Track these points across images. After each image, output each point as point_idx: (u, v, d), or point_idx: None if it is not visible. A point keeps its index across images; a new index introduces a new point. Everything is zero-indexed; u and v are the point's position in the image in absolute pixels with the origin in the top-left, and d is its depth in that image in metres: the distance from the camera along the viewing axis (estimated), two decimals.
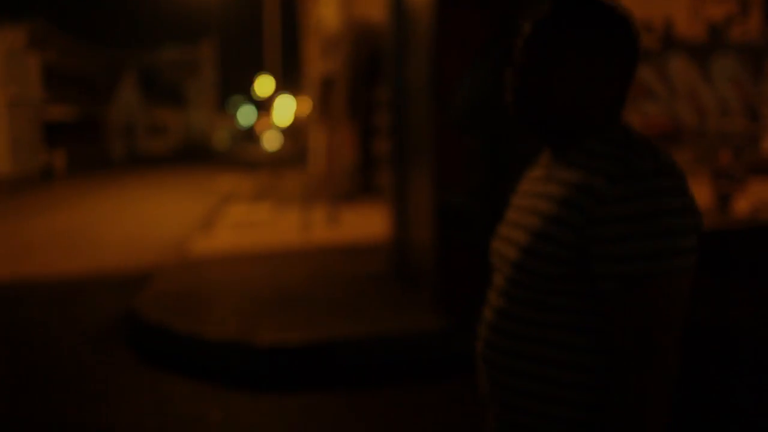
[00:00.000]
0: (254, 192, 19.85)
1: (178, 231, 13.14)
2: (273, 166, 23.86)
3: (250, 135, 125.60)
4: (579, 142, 1.37)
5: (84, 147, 41.89)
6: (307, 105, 30.09)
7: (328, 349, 5.02)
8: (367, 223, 12.01)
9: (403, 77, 6.79)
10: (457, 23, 5.55)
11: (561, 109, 1.36)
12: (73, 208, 18.22)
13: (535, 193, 1.42)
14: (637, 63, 1.39)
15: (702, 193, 9.93)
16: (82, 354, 5.84)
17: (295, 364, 5.02)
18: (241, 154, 67.53)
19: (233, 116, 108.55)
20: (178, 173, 33.08)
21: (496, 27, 5.53)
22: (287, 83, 78.89)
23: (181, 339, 5.41)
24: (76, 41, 42.79)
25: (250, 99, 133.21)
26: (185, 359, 5.36)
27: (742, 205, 8.76)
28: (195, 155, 61.50)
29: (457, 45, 5.53)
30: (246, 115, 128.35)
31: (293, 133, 76.62)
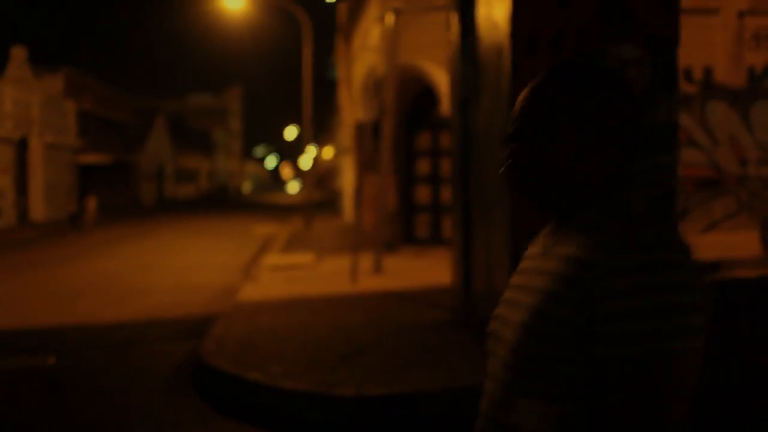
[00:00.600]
0: (290, 239, 19.86)
1: (222, 278, 13.12)
2: (306, 214, 23.85)
3: (274, 181, 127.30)
4: (578, 213, 1.31)
5: (115, 192, 42.36)
6: (339, 153, 30.31)
7: (411, 401, 4.91)
8: (414, 272, 11.93)
9: (470, 125, 6.77)
10: (531, 70, 5.53)
11: (555, 180, 1.31)
12: (112, 253, 18.30)
13: (532, 269, 1.35)
14: (640, 130, 1.34)
15: (748, 240, 9.77)
16: (151, 402, 5.76)
17: (377, 416, 4.90)
18: (266, 199, 67.98)
19: (258, 163, 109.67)
20: (210, 218, 33.26)
21: None
22: (314, 132, 79.76)
23: (256, 389, 5.31)
24: (109, 89, 43.60)
25: (274, 147, 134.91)
26: (260, 409, 5.26)
27: None
28: (222, 200, 62.02)
29: None
30: (270, 162, 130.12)
31: (319, 179, 77.16)
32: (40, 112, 33.41)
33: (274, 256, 14.98)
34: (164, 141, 55.23)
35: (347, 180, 26.31)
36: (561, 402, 1.21)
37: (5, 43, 31.27)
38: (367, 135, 16.53)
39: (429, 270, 11.96)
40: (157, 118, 53.00)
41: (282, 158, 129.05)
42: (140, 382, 6.36)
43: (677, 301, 1.14)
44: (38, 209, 32.91)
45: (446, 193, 14.73)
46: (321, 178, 76.03)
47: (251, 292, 10.04)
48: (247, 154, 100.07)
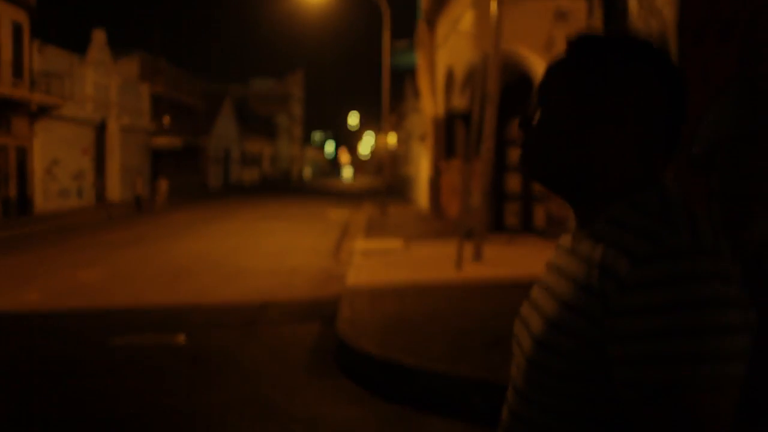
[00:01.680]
0: (368, 224, 19.96)
1: (316, 261, 13.28)
2: (382, 200, 23.90)
3: (331, 167, 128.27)
4: (605, 206, 1.14)
5: (184, 175, 43.11)
6: (409, 139, 30.30)
7: None
8: (514, 260, 11.88)
9: None
10: (699, 60, 5.43)
11: (576, 167, 1.15)
12: (196, 235, 18.64)
13: (558, 268, 1.20)
14: (681, 109, 1.15)
15: None
16: (297, 381, 5.86)
17: None
18: (327, 184, 68.44)
19: (316, 148, 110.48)
20: (280, 202, 33.64)
21: (738, 62, 5.39)
22: (375, 118, 79.47)
23: (413, 373, 5.36)
24: (180, 72, 44.32)
25: (331, 132, 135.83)
26: (416, 393, 5.31)
27: None
28: (286, 185, 62.67)
29: (699, 82, 5.40)
30: (328, 148, 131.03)
31: (379, 166, 77.10)
32: (117, 94, 34.15)
33: (361, 241, 15.06)
34: (231, 125, 55.98)
35: (420, 167, 26.29)
36: (579, 422, 1.08)
37: (86, 25, 31.94)
38: (448, 125, 16.50)
39: (527, 258, 11.90)
40: (224, 103, 53.70)
41: (339, 144, 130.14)
42: (279, 361, 6.47)
43: (716, 320, 0.96)
44: (114, 190, 33.71)
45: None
46: (382, 164, 76.29)
47: (358, 276, 10.12)
48: (306, 139, 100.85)
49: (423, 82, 23.12)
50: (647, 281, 0.98)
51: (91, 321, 8.40)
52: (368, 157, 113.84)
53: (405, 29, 65.12)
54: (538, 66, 13.43)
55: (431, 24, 19.98)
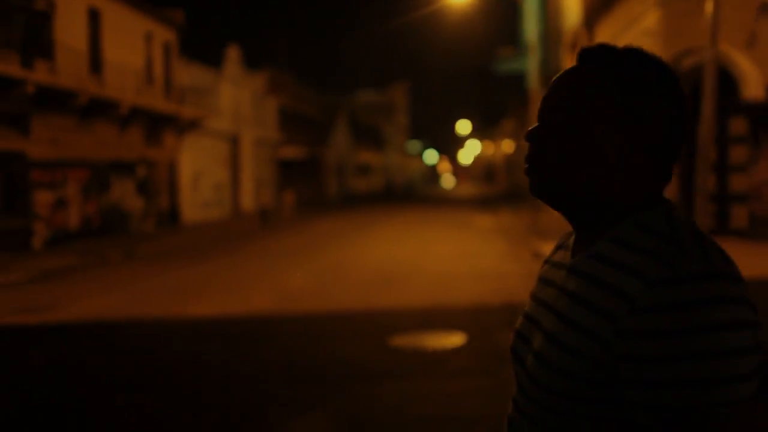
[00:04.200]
0: (528, 229, 19.72)
1: (509, 266, 13.15)
2: (534, 205, 23.60)
3: (432, 175, 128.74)
4: (609, 225, 1.11)
5: (306, 185, 43.89)
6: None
7: None
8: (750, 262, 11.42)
9: None
10: None
11: (582, 182, 1.11)
12: (364, 242, 18.82)
13: (554, 283, 1.16)
14: (682, 128, 1.12)
15: None
16: None
17: None
18: (437, 192, 68.41)
19: (417, 157, 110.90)
20: (409, 210, 33.74)
21: None
22: (482, 125, 79.30)
23: None
24: (302, 85, 45.22)
25: (431, 142, 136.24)
26: None
27: None
28: (395, 194, 63.00)
29: None
30: (430, 157, 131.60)
31: (488, 173, 76.40)
32: (249, 108, 35.08)
33: (543, 244, 14.85)
34: (345, 136, 56.79)
35: None
36: None
37: (220, 42, 32.99)
38: None
39: (749, 259, 11.43)
40: (339, 114, 54.49)
41: (439, 153, 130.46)
42: None
43: (729, 343, 0.95)
44: (247, 201, 34.57)
45: (736, 182, 14.10)
46: (492, 171, 75.97)
47: None
48: (409, 148, 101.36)
49: None
50: (663, 305, 0.97)
51: (344, 323, 8.51)
52: (470, 165, 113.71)
53: (509, 36, 64.65)
54: (740, 63, 12.95)
55: (590, 27, 19.65)
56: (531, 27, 52.43)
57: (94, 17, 22.19)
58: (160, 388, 6.06)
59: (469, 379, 6.01)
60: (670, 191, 14.23)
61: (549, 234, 17.62)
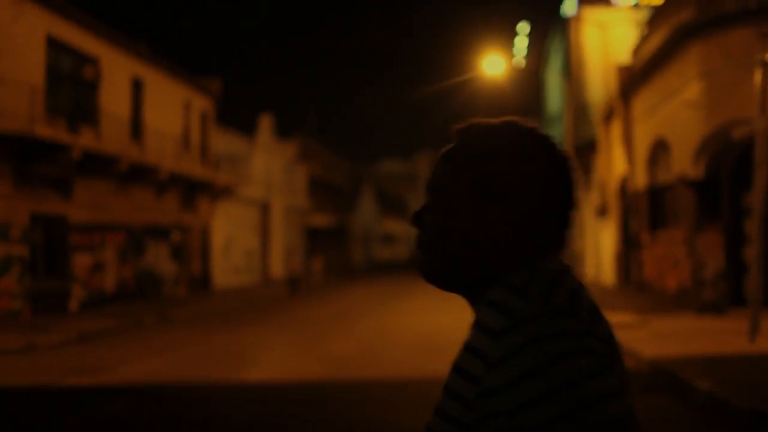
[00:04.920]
0: None
1: None
2: None
3: None
4: (484, 291, 1.11)
5: (332, 253, 43.97)
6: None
7: None
8: None
9: None
10: None
11: (467, 255, 1.12)
12: (400, 310, 18.70)
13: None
14: (568, 194, 1.13)
15: None
16: None
17: None
18: None
19: None
20: None
21: None
22: None
23: None
24: (331, 154, 45.80)
25: None
26: None
27: None
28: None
29: None
30: None
31: None
32: (280, 175, 35.47)
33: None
34: (371, 205, 57.15)
35: (600, 241, 25.75)
36: None
37: (252, 110, 33.65)
38: (675, 193, 16.09)
39: None
40: (366, 183, 54.98)
41: None
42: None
43: (577, 368, 0.96)
44: (276, 267, 34.62)
45: None
46: None
47: (646, 349, 9.78)
48: None
49: (606, 157, 22.90)
50: (504, 355, 0.98)
51: (397, 390, 8.39)
52: None
53: (531, 107, 65.46)
54: None
55: (626, 98, 19.84)
56: (553, 99, 53.17)
57: (137, 86, 22.75)
58: None
59: None
60: (717, 261, 14.03)
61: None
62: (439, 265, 1.15)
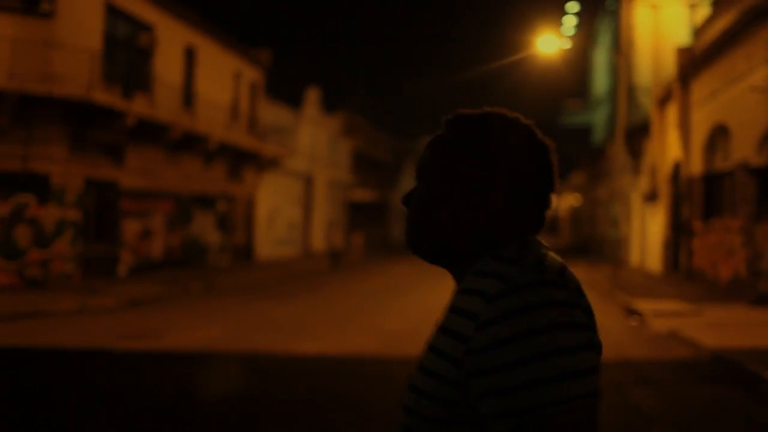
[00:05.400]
0: (609, 284, 19.27)
1: (612, 322, 12.83)
2: (615, 261, 23.15)
3: None
4: (472, 263, 1.20)
5: (372, 228, 44.01)
6: (615, 199, 29.47)
7: None
8: None
9: None
10: None
11: (452, 235, 1.21)
12: (431, 289, 18.65)
13: (438, 323, 1.22)
14: (549, 178, 1.23)
15: None
16: None
17: None
18: None
19: None
20: None
21: None
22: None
23: None
24: (374, 129, 45.67)
25: None
26: None
27: None
28: None
29: None
30: None
31: (552, 226, 75.85)
32: (324, 149, 35.49)
33: (641, 302, 14.44)
34: (412, 181, 56.94)
35: (647, 227, 25.36)
36: None
37: (298, 83, 33.62)
38: (733, 181, 15.71)
39: None
40: (407, 159, 54.77)
41: None
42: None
43: (561, 342, 1.03)
44: (317, 241, 34.76)
45: None
46: (554, 223, 75.11)
47: (708, 338, 9.60)
48: None
49: (659, 141, 22.45)
50: (499, 315, 1.05)
51: None
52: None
53: (576, 88, 64.42)
54: None
55: (685, 82, 19.37)
56: (600, 80, 52.19)
57: (189, 55, 22.83)
58: (316, 419, 5.97)
59: None
60: None
61: (634, 289, 17.18)
62: (425, 242, 1.24)
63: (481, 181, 1.20)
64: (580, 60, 55.83)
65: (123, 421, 5.98)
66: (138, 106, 18.53)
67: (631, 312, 13.71)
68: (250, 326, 11.56)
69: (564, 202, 60.78)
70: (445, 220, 1.21)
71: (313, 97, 34.09)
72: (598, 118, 52.37)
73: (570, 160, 62.59)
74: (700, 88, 18.38)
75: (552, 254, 1.19)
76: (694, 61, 18.48)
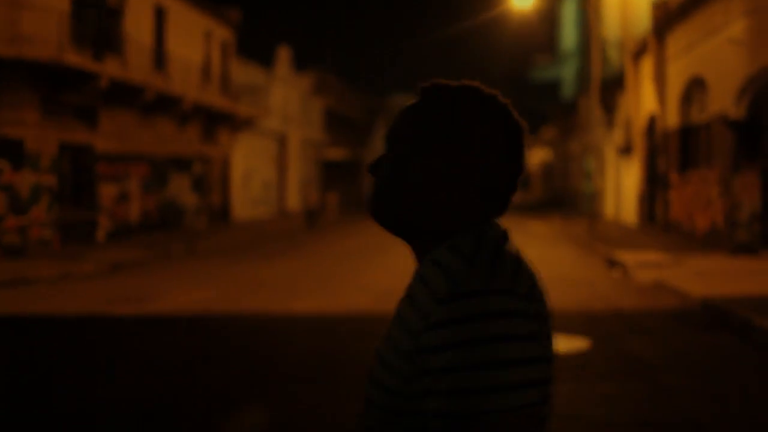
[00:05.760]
0: (588, 236, 19.56)
1: (592, 273, 13.03)
2: (590, 215, 23.43)
3: None
4: (430, 246, 1.19)
5: (345, 188, 43.95)
6: (588, 152, 29.72)
7: None
8: None
9: None
10: None
11: (416, 208, 1.19)
12: None
13: (401, 302, 1.20)
14: (518, 159, 1.20)
15: None
16: None
17: None
18: None
19: None
20: None
21: None
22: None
23: None
24: (346, 87, 45.32)
25: None
26: None
27: None
28: None
29: None
30: None
31: (524, 181, 75.91)
32: (296, 108, 35.19)
33: (623, 253, 14.68)
34: (384, 139, 56.80)
35: (621, 180, 25.66)
36: None
37: (268, 41, 33.14)
38: (712, 133, 15.92)
39: None
40: (379, 117, 54.52)
41: None
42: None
43: (501, 354, 1.03)
44: (292, 200, 34.66)
45: None
46: (524, 178, 75.49)
47: (695, 287, 9.82)
48: None
49: (633, 95, 22.60)
50: (444, 320, 1.05)
51: None
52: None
53: (544, 43, 64.23)
54: None
55: (660, 35, 19.46)
56: (568, 35, 52.16)
57: (159, 14, 22.37)
58: (327, 379, 6.03)
59: (615, 384, 5.91)
60: (753, 202, 13.88)
61: (613, 241, 17.46)
62: (389, 212, 1.21)
63: (452, 158, 1.17)
64: (548, 14, 55.56)
65: (135, 385, 5.99)
66: (110, 68, 18.16)
67: (613, 263, 13.95)
68: (242, 287, 11.57)
69: (535, 157, 61.12)
70: (411, 194, 1.19)
71: (284, 55, 33.69)
72: (567, 72, 52.46)
73: (540, 115, 62.79)
74: (675, 41, 18.49)
75: (509, 246, 1.18)
76: (670, 15, 18.56)
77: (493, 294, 1.07)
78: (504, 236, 1.19)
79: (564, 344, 7.26)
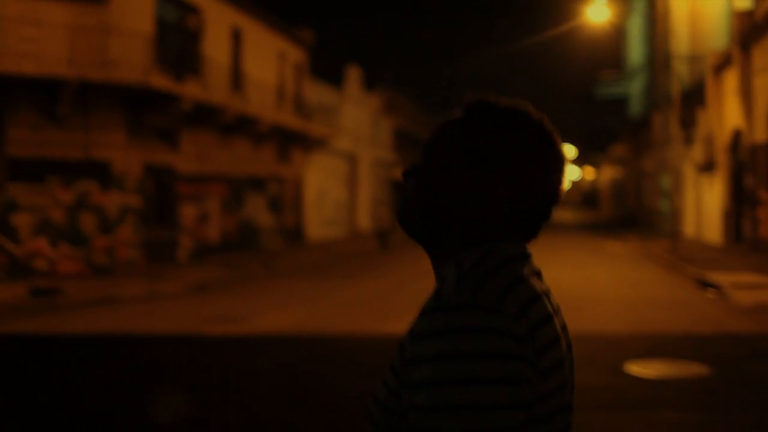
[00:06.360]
0: (670, 256, 18.99)
1: (677, 293, 12.61)
2: (673, 234, 22.79)
3: None
4: (445, 260, 1.17)
5: None
6: (662, 170, 29.00)
7: None
8: None
9: None
10: None
11: (445, 220, 1.17)
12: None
13: None
14: (555, 187, 1.17)
15: None
16: None
17: None
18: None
19: None
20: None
21: None
22: (585, 151, 77.93)
23: None
24: (415, 107, 45.42)
25: None
26: None
27: None
28: None
29: None
30: None
31: (585, 198, 74.86)
32: (366, 128, 35.35)
33: (719, 275, 14.17)
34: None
35: (702, 198, 24.93)
36: None
37: (337, 61, 33.41)
38: None
39: None
40: None
41: None
42: None
43: (475, 373, 0.99)
44: (363, 221, 34.73)
45: None
46: (593, 197, 74.43)
47: None
48: None
49: (715, 110, 21.98)
50: (424, 333, 1.04)
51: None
52: (566, 191, 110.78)
53: (611, 60, 63.34)
54: None
55: (745, 47, 18.89)
56: (635, 50, 51.24)
57: (236, 37, 22.77)
58: None
59: (750, 414, 5.62)
60: None
61: (698, 261, 16.89)
62: (416, 222, 1.20)
63: (490, 176, 1.15)
64: (614, 29, 54.83)
65: (253, 403, 5.96)
66: (192, 90, 18.52)
67: (705, 284, 13.47)
68: (330, 308, 11.54)
69: (604, 176, 60.10)
70: (436, 207, 1.17)
71: (353, 75, 33.91)
72: (634, 88, 51.55)
73: (608, 132, 61.79)
74: (763, 52, 17.90)
75: (520, 266, 1.14)
76: (756, 26, 17.99)
77: (472, 309, 1.04)
78: (516, 257, 1.16)
79: (680, 369, 6.98)
